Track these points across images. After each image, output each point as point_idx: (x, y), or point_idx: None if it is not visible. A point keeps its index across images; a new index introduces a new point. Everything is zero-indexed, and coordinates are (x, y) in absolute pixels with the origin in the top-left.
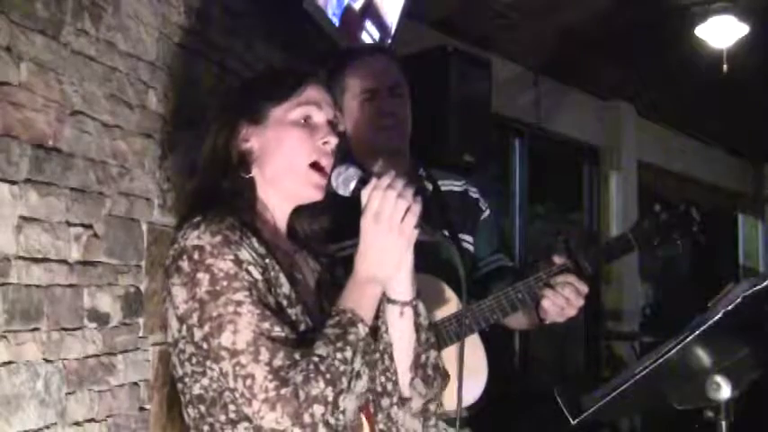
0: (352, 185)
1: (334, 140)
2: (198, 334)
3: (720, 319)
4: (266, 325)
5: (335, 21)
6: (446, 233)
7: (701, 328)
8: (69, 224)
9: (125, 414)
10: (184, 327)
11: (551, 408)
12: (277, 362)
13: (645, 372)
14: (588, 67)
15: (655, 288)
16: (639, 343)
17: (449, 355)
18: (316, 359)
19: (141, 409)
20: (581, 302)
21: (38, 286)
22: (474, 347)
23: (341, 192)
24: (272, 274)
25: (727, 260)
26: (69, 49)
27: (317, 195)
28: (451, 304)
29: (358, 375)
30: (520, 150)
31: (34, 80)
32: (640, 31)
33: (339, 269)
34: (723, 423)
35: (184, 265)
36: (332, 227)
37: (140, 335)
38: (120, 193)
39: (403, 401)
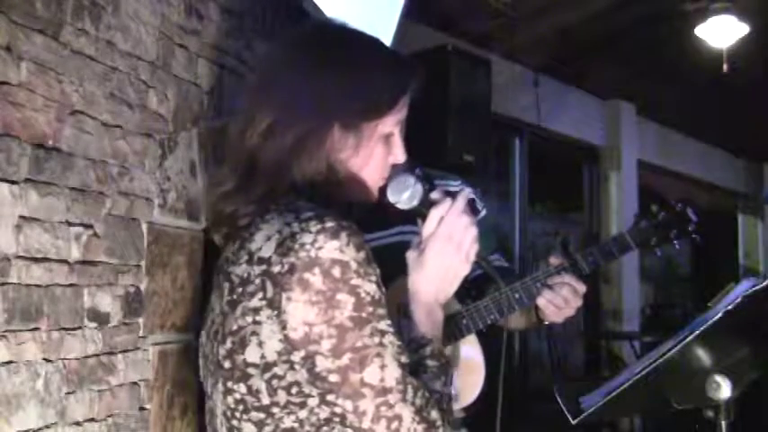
0: (416, 202)
1: (403, 159)
2: (325, 364)
3: (720, 319)
4: (404, 358)
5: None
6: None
7: (701, 328)
8: (69, 224)
9: (125, 414)
10: (299, 352)
11: (551, 408)
12: (418, 401)
13: (645, 372)
14: (588, 66)
15: (655, 288)
16: (639, 343)
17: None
18: (438, 396)
19: (141, 408)
20: (579, 303)
21: (38, 286)
22: (471, 348)
23: (400, 205)
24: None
25: (727, 260)
26: (69, 48)
27: (374, 199)
28: (450, 305)
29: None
30: (520, 150)
31: (34, 80)
32: (640, 30)
33: None
34: (723, 423)
35: (316, 280)
36: None
37: (140, 335)
38: (120, 192)
39: None
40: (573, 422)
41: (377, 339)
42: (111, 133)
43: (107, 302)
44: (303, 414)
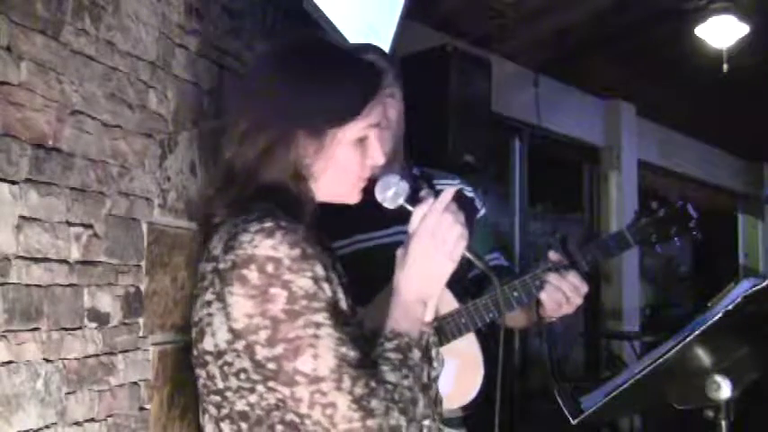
0: (401, 200)
1: (382, 161)
2: (263, 353)
3: (720, 319)
4: (344, 350)
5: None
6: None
7: (701, 328)
8: (69, 224)
9: (125, 414)
10: (242, 342)
11: (551, 408)
12: (358, 390)
13: (645, 372)
14: (588, 66)
15: (655, 288)
16: (639, 343)
17: (446, 352)
18: (390, 387)
19: (141, 409)
20: (579, 300)
21: (38, 286)
22: (470, 347)
23: (386, 204)
24: (333, 287)
25: (727, 260)
26: (69, 49)
27: (356, 200)
28: (449, 304)
29: (417, 401)
30: (520, 150)
31: (34, 80)
32: (640, 30)
33: (338, 265)
34: (723, 423)
35: (253, 275)
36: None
37: (140, 335)
38: (120, 193)
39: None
40: (573, 422)
41: (310, 331)
42: (111, 133)
43: (107, 302)
44: (253, 399)
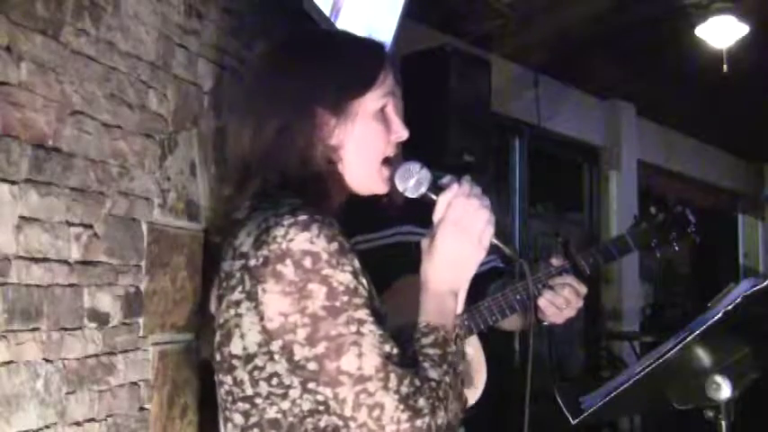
0: (424, 189)
1: (406, 135)
2: (302, 352)
3: (720, 319)
4: (388, 347)
5: (334, 20)
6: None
7: (701, 328)
8: (69, 224)
9: (125, 414)
10: (278, 342)
11: (551, 408)
12: (404, 389)
13: (645, 372)
14: (588, 66)
15: (655, 288)
16: (639, 343)
17: None
18: (434, 385)
19: (141, 409)
20: (580, 304)
21: (38, 286)
22: (472, 349)
23: (408, 193)
24: (369, 283)
25: (727, 260)
26: (69, 49)
27: (384, 189)
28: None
29: (456, 397)
30: (520, 150)
31: (34, 80)
32: (640, 30)
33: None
34: (723, 423)
35: (288, 271)
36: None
37: (140, 335)
38: (120, 193)
39: None
40: (573, 422)
41: (353, 328)
42: (111, 133)
43: (107, 302)
44: (285, 405)
